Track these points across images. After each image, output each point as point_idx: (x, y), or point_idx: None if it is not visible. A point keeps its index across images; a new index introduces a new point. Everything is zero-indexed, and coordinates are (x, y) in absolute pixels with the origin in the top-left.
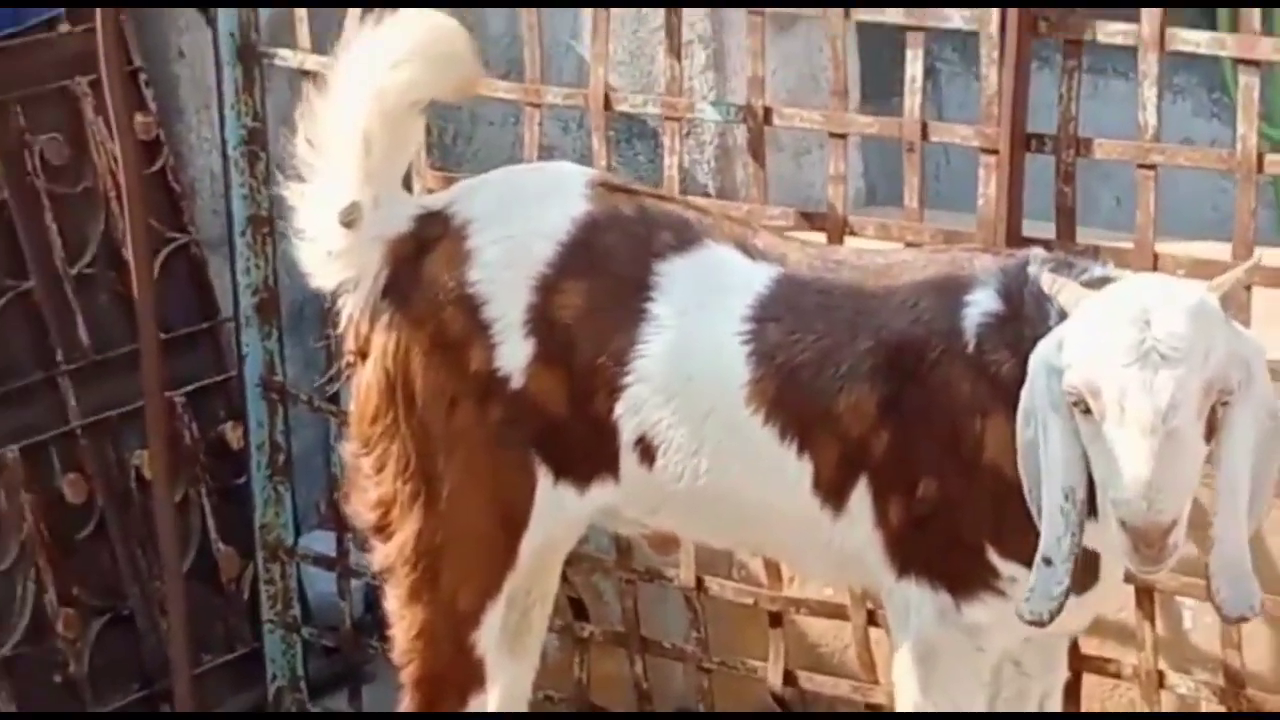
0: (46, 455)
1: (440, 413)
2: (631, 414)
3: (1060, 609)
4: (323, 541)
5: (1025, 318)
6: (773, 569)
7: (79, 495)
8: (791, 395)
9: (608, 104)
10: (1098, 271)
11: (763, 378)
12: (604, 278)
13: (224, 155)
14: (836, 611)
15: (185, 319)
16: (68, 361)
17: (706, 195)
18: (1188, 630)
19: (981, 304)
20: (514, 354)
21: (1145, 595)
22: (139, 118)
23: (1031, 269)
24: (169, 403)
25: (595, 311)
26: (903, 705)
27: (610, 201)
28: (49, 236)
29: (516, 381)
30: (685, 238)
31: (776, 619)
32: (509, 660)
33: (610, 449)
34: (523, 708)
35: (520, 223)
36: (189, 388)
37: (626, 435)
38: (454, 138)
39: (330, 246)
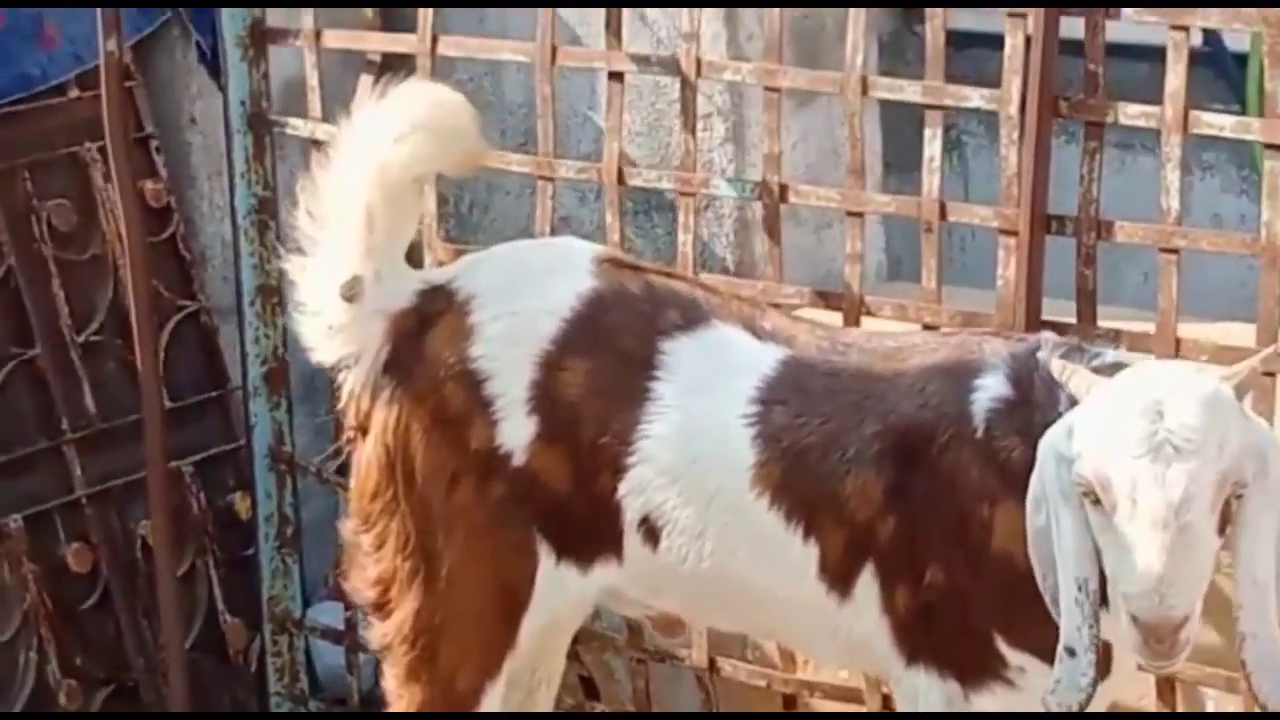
0: (51, 524)
1: (440, 490)
2: (635, 494)
3: (1089, 699)
4: (331, 613)
5: (1035, 403)
6: (786, 651)
7: (83, 565)
8: (797, 479)
9: (621, 178)
10: (1110, 357)
11: (768, 461)
12: (608, 356)
13: (233, 224)
14: (851, 695)
15: (195, 387)
16: (73, 430)
17: (725, 269)
18: None
19: (991, 389)
20: (516, 431)
21: (1167, 685)
22: (149, 184)
23: (1042, 354)
24: (176, 472)
25: (599, 390)
26: None
27: (616, 278)
28: (56, 303)
29: (519, 459)
30: (692, 317)
31: (790, 701)
32: None
33: (614, 529)
34: None
35: (524, 299)
36: (197, 457)
37: (630, 516)
38: (470, 207)
39: (331, 321)
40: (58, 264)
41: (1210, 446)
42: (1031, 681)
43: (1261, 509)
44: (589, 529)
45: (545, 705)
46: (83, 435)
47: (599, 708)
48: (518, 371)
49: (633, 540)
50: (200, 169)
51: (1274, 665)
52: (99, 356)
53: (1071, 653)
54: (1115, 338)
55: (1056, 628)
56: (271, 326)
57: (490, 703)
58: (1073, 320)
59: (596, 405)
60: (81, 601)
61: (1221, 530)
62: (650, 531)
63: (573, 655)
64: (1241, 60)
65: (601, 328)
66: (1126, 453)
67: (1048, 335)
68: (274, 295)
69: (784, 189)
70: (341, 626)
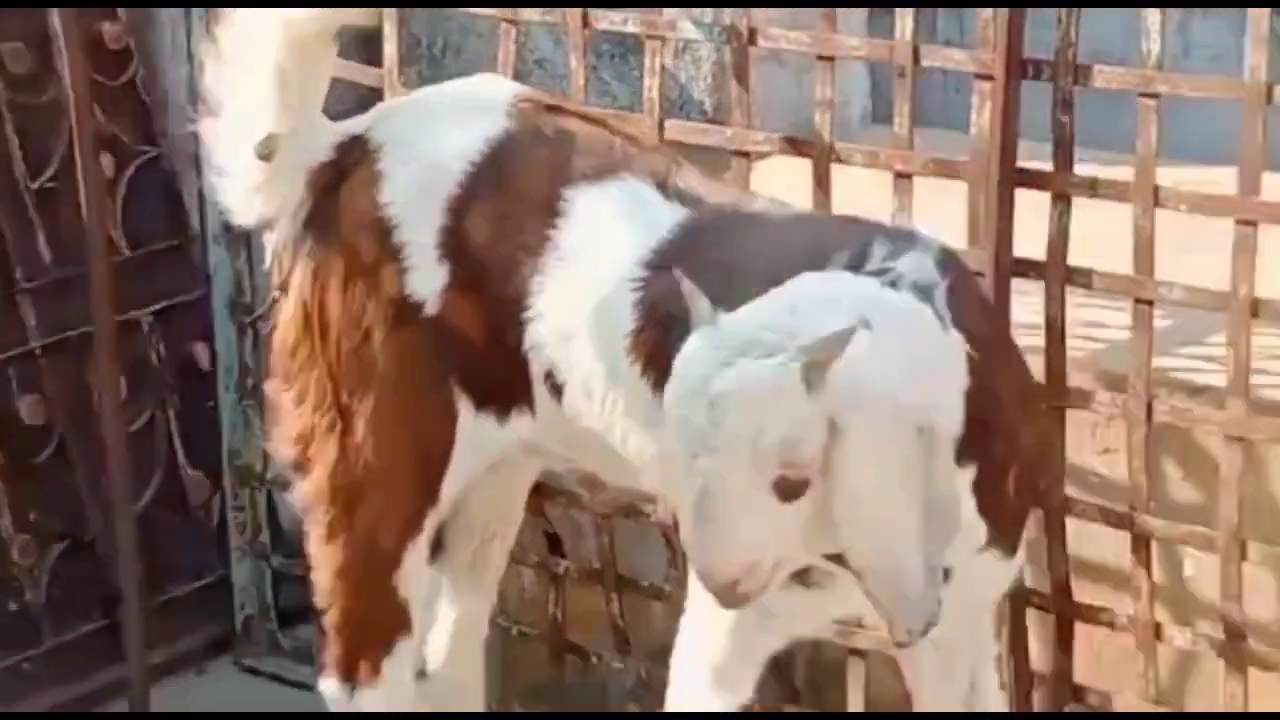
0: (4, 376)
1: (355, 342)
2: (537, 349)
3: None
4: None
5: None
6: None
7: (37, 417)
8: (667, 350)
9: (586, 22)
10: (910, 263)
11: (644, 329)
12: (512, 202)
13: (191, 68)
14: None
15: (156, 235)
16: (27, 279)
17: (703, 113)
18: (1188, 578)
19: None
20: (428, 280)
21: (1142, 542)
22: (107, 26)
23: (874, 249)
24: (134, 322)
25: (503, 237)
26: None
27: (532, 121)
28: (9, 148)
29: (431, 308)
30: (602, 166)
31: None
32: (467, 591)
33: (524, 380)
34: (477, 641)
35: (434, 143)
36: (156, 306)
37: (536, 369)
38: (443, 49)
39: (248, 181)
40: (11, 108)
41: (738, 443)
42: (837, 583)
43: (866, 456)
44: (503, 379)
45: (500, 558)
46: (37, 285)
47: (563, 564)
48: (427, 218)
49: (541, 393)
50: (162, 11)
51: (899, 595)
52: (54, 204)
53: None
54: (1092, 186)
55: None
56: None
57: (413, 561)
58: (1049, 168)
59: (500, 254)
60: (36, 455)
61: (794, 495)
62: (555, 386)
63: (538, 511)
64: None
65: (507, 172)
66: (671, 435)
67: (891, 229)
68: None
69: (753, 32)
70: None
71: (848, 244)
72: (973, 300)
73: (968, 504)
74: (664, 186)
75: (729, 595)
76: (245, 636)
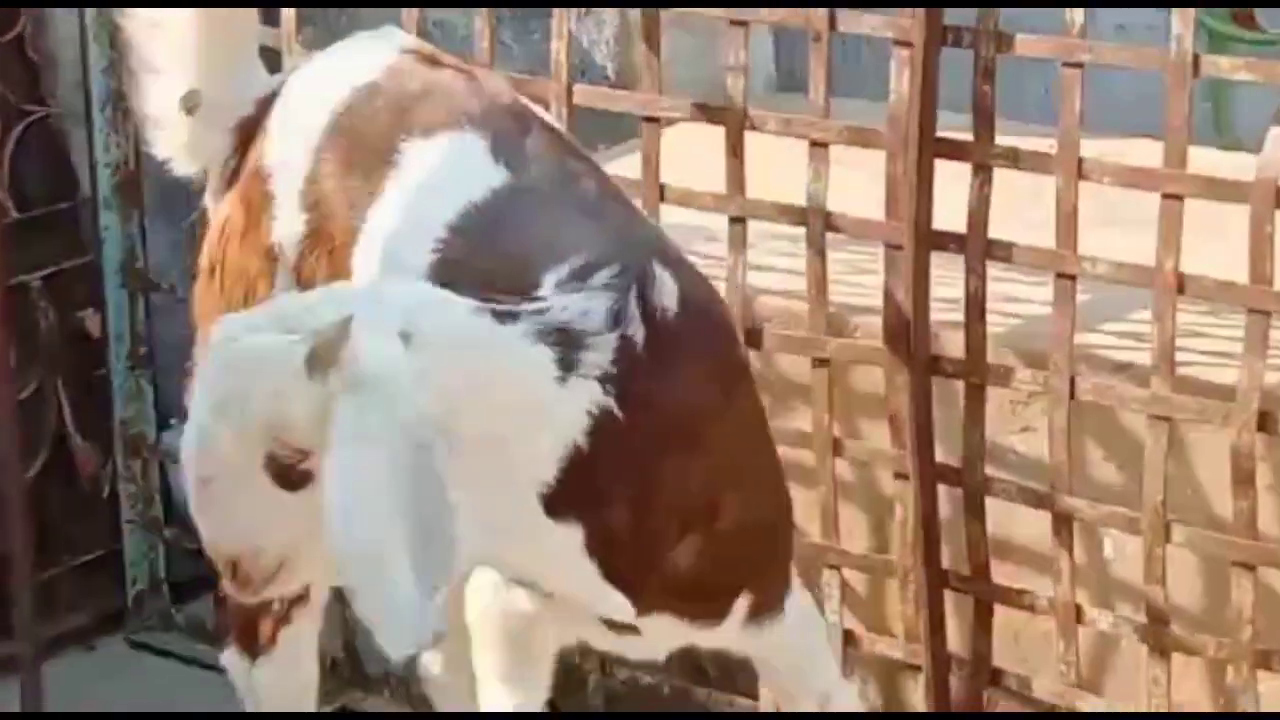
0: None
1: (240, 293)
2: None
3: None
4: None
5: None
6: None
7: None
8: None
9: None
10: (572, 305)
11: None
12: (356, 151)
13: (81, 24)
14: None
15: (45, 197)
16: None
17: (605, 78)
18: (1109, 560)
19: (559, 272)
20: (289, 229)
21: (1063, 522)
22: None
23: (599, 273)
24: (22, 287)
25: (345, 188)
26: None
27: (403, 73)
28: None
29: (290, 259)
30: (443, 119)
31: None
32: None
33: None
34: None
35: (311, 94)
36: (45, 271)
37: None
38: (340, 11)
39: (178, 136)
40: None
41: (227, 407)
42: None
43: (349, 448)
44: None
45: None
46: None
47: None
48: (296, 166)
49: None
50: None
51: (386, 607)
52: None
53: None
54: (1014, 157)
55: None
56: (123, 134)
57: None
58: (969, 138)
59: (341, 203)
60: None
61: (295, 485)
62: None
63: None
64: None
65: (359, 123)
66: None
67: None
68: (126, 100)
69: None
70: None
71: (587, 255)
72: (673, 364)
73: (585, 566)
74: (497, 146)
75: (231, 575)
76: (137, 612)
